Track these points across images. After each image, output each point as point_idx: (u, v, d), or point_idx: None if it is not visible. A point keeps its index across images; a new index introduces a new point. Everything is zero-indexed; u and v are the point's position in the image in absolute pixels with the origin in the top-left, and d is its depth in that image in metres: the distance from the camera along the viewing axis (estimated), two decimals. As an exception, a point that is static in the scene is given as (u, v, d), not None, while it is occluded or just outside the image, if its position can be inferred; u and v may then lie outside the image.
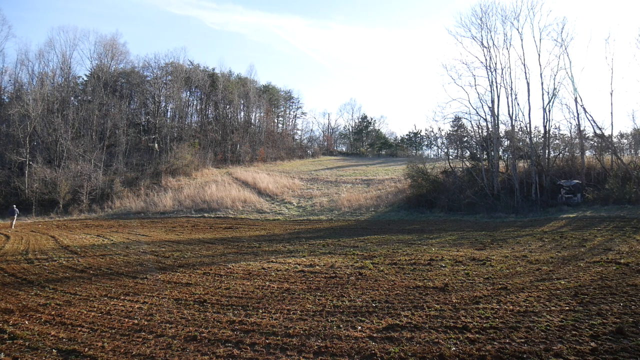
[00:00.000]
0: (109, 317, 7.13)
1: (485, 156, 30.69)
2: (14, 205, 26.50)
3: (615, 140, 33.50)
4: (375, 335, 5.94)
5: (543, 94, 28.44)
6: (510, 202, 25.95)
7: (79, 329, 6.55)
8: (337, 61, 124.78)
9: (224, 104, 54.82)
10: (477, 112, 30.01)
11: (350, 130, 71.37)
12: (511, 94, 29.18)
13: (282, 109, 68.68)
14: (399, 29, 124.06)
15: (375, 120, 70.71)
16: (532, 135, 30.41)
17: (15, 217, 25.22)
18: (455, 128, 39.22)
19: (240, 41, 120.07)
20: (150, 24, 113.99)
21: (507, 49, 29.25)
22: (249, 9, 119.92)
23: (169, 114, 51.18)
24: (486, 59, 29.49)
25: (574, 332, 5.72)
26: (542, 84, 28.57)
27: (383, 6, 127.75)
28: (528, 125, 29.94)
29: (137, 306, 7.72)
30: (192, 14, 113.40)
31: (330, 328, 6.28)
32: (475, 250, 13.22)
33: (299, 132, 69.95)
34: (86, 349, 5.69)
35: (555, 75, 31.56)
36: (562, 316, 6.39)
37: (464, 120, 35.27)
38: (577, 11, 68.33)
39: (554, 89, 27.93)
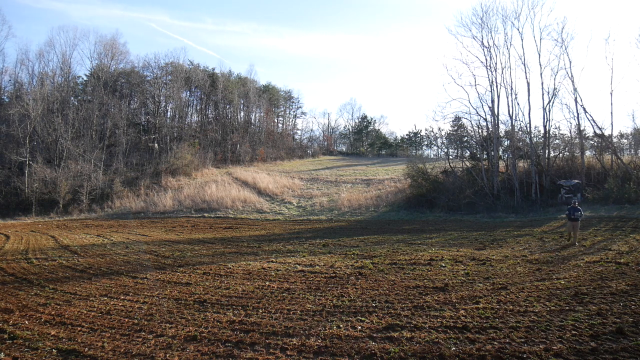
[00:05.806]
0: (108, 317, 7.12)
1: (485, 156, 30.67)
2: None
3: (615, 140, 33.47)
4: (375, 335, 5.94)
5: (543, 94, 28.44)
6: (510, 202, 25.94)
7: (78, 328, 6.54)
8: (337, 61, 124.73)
9: (224, 103, 54.80)
10: (477, 112, 29.99)
11: (350, 130, 71.27)
12: (511, 93, 29.16)
13: (282, 109, 68.64)
14: (399, 29, 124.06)
15: (375, 120, 70.62)
16: (532, 135, 30.43)
17: None
18: (455, 128, 39.17)
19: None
20: (12, 19, 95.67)
21: (507, 48, 29.24)
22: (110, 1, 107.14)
23: (169, 114, 51.18)
24: (486, 59, 29.47)
25: (574, 332, 5.71)
26: (542, 83, 28.58)
27: (383, 6, 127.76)
28: (528, 125, 29.96)
29: (137, 306, 7.72)
30: (55, 7, 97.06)
31: (330, 328, 6.27)
32: (475, 250, 13.21)
33: (299, 132, 69.97)
34: (86, 349, 5.69)
35: (555, 75, 31.37)
36: (562, 316, 6.39)
37: (464, 120, 35.20)
38: (577, 11, 68.32)
39: (554, 88, 27.93)
